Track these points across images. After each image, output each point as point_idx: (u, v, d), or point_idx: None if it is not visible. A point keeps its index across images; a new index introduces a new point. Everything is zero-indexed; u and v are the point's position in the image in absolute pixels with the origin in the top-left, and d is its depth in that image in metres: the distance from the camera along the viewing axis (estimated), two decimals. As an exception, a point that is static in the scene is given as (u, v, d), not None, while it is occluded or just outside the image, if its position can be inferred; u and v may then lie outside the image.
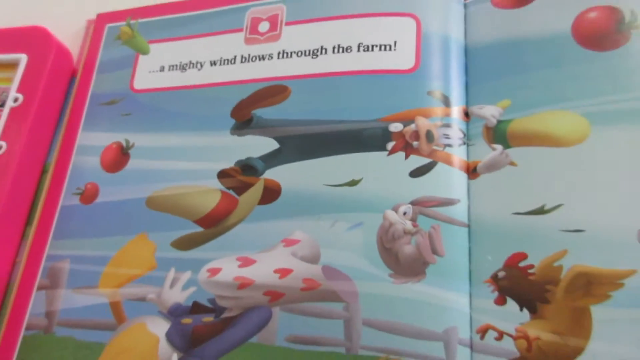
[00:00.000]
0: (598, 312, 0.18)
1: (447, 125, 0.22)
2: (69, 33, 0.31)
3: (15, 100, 0.28)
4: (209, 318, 0.22)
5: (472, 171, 0.22)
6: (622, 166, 0.20)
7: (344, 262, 0.21)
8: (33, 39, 0.29)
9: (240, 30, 0.26)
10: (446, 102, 0.23)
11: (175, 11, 0.28)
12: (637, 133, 0.20)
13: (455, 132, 0.22)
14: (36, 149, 0.28)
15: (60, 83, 0.29)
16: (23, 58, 0.29)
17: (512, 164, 0.21)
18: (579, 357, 0.18)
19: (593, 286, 0.19)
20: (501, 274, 0.20)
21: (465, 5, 0.25)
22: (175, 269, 0.23)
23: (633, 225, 0.19)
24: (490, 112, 0.22)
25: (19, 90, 0.28)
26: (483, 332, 0.19)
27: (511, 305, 0.20)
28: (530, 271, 0.20)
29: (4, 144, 0.27)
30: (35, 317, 0.25)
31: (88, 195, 0.26)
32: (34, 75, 0.29)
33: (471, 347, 0.19)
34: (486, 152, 0.22)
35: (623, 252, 0.19)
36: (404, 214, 0.21)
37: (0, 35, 0.29)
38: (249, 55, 0.26)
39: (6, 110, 0.28)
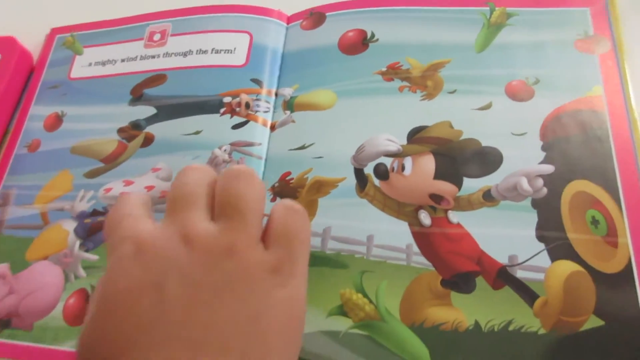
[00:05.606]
0: (322, 201, 0.31)
1: (260, 99, 0.35)
2: (36, 42, 0.45)
3: (-11, 84, 0.41)
4: (101, 218, 0.35)
5: (273, 127, 0.35)
6: (348, 120, 0.33)
7: (186, 180, 0.34)
8: (4, 45, 0.42)
9: (142, 39, 0.40)
10: (261, 85, 0.36)
11: (102, 27, 0.42)
12: (358, 102, 0.33)
13: (265, 103, 0.35)
14: (1, 117, 0.40)
15: (21, 74, 0.42)
16: (-3, 57, 0.42)
17: (293, 121, 0.34)
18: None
19: (322, 187, 0.31)
20: (276, 184, 0.32)
21: (287, 28, 0.38)
22: (84, 190, 0.36)
23: (349, 153, 0.32)
24: (287, 92, 0.35)
25: (-8, 78, 0.41)
26: (261, 217, 0.32)
27: (278, 200, 0.32)
28: (291, 181, 0.32)
29: (-22, 111, 0.39)
30: (-10, 224, 0.36)
31: (33, 147, 0.39)
32: (3, 68, 0.41)
33: (253, 227, 0.32)
34: (282, 116, 0.35)
35: (341, 168, 0.31)
36: (224, 150, 0.34)
37: (-17, 41, 0.43)
38: (146, 55, 0.39)
39: (-18, 90, 0.40)
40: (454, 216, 0.29)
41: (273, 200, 0.32)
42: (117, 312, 0.20)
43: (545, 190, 0.28)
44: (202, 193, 0.23)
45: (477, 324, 0.26)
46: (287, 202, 0.24)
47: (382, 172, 0.31)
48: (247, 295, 0.20)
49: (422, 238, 0.29)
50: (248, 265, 0.21)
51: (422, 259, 0.28)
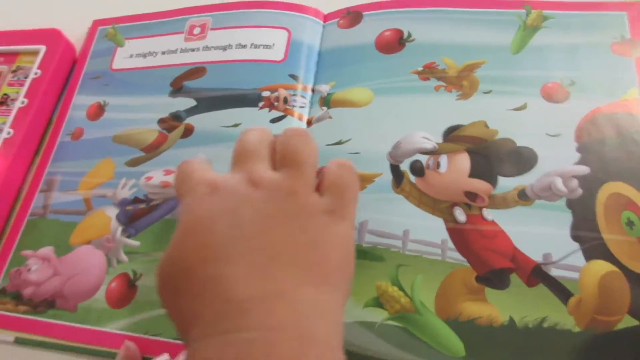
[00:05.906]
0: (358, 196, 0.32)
1: (297, 95, 0.36)
2: (79, 33, 0.46)
3: (36, 74, 0.42)
4: (142, 206, 0.36)
5: (309, 122, 0.36)
6: (385, 118, 0.33)
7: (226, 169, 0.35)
8: (50, 36, 0.44)
9: (182, 32, 0.41)
10: (299, 81, 0.37)
11: (143, 19, 0.43)
12: (395, 100, 0.34)
13: (301, 99, 0.36)
14: (46, 106, 0.42)
15: (65, 65, 0.43)
16: (42, 48, 0.43)
17: (329, 117, 0.35)
18: (344, 220, 0.31)
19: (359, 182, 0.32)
20: (313, 178, 0.33)
21: (324, 25, 0.39)
22: (126, 178, 0.37)
23: (385, 150, 0.32)
24: (324, 88, 0.36)
25: (38, 68, 0.42)
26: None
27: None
28: (327, 175, 0.33)
29: (26, 100, 0.41)
30: (36, 208, 0.38)
31: (76, 135, 0.40)
32: (49, 59, 0.43)
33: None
34: (319, 112, 0.36)
35: (377, 164, 0.32)
36: (263, 143, 0.35)
37: (30, 33, 0.44)
38: (186, 48, 0.40)
39: (29, 80, 0.42)
40: (488, 214, 0.30)
41: (310, 193, 0.33)
42: (197, 231, 0.23)
43: (580, 191, 0.29)
44: (264, 149, 0.26)
45: (511, 319, 0.27)
46: (340, 159, 0.27)
47: (418, 169, 0.32)
48: (308, 227, 0.23)
49: (457, 234, 0.30)
50: (307, 204, 0.24)
51: (457, 255, 0.29)
